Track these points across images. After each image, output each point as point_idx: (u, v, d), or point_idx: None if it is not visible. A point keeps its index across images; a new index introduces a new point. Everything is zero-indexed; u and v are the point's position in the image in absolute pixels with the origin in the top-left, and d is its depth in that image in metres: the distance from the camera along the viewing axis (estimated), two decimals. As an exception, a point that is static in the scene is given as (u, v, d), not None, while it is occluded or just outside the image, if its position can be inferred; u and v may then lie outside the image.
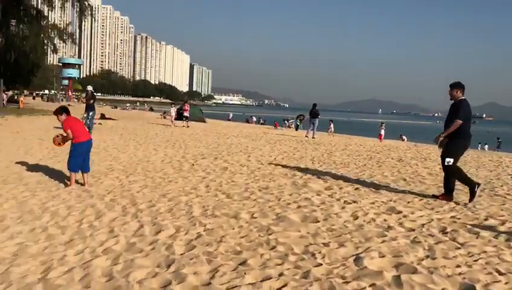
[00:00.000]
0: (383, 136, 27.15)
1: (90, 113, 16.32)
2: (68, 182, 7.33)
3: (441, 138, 6.87)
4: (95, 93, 17.88)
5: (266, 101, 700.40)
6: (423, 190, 7.71)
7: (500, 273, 3.80)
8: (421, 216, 5.76)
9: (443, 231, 5.08)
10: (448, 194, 6.94)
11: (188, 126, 24.54)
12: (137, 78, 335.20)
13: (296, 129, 35.71)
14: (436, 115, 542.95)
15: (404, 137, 37.57)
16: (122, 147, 12.78)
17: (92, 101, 16.62)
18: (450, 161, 6.83)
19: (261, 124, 48.07)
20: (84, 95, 17.98)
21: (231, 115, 57.62)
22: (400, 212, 5.95)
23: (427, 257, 4.20)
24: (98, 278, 3.64)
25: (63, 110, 7.29)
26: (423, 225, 5.34)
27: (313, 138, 21.09)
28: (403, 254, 4.24)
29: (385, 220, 5.51)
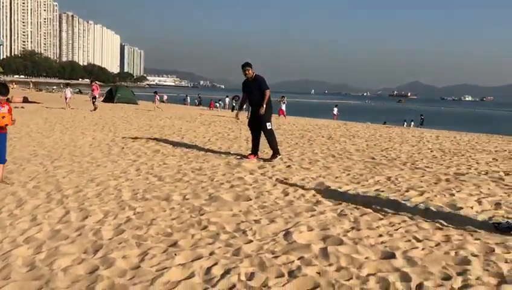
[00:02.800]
0: (284, 112, 26.43)
1: None
2: None
3: (263, 109, 8.18)
4: None
5: (202, 82, 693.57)
6: (350, 165, 8.02)
7: (418, 240, 4.06)
8: (348, 190, 6.01)
9: (368, 204, 5.33)
10: (276, 152, 8.38)
11: (95, 109, 21.41)
12: (64, 59, 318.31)
13: (232, 110, 35.76)
14: (365, 94, 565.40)
15: (335, 110, 39.04)
16: (47, 131, 12.14)
17: None
18: (270, 125, 8.39)
19: (197, 105, 47.49)
20: None
21: (165, 97, 56.35)
22: (328, 187, 6.16)
23: (353, 228, 4.39)
24: (19, 268, 3.46)
25: None
26: (350, 198, 5.58)
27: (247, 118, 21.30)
28: (330, 226, 4.41)
29: (314, 195, 5.69)
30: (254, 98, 8.42)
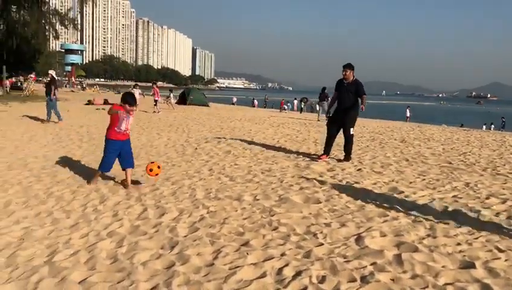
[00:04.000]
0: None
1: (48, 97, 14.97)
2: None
3: (363, 107, 8.21)
4: (55, 77, 16.37)
5: (270, 84, 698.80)
6: (425, 170, 7.72)
7: (501, 251, 3.84)
8: (423, 196, 5.79)
9: (444, 210, 5.11)
10: (348, 156, 8.43)
11: (158, 112, 21.34)
12: (140, 63, 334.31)
13: (300, 112, 35.69)
14: (440, 95, 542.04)
15: (408, 111, 37.75)
16: (125, 132, 12.81)
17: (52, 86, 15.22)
18: (353, 130, 8.40)
19: (264, 106, 47.73)
20: (46, 79, 15.67)
21: (235, 99, 57.28)
22: (401, 192, 5.98)
23: (428, 235, 4.24)
24: (103, 260, 3.70)
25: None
26: (425, 204, 5.38)
27: (318, 120, 21.30)
28: (404, 233, 4.28)
29: (387, 200, 5.55)
30: (346, 100, 8.27)
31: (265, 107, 46.34)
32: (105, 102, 27.24)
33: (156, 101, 22.62)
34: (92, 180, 6.37)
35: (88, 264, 3.62)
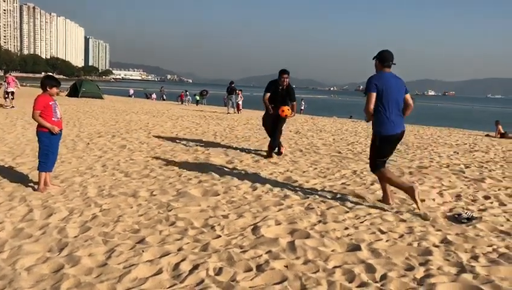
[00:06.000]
0: (240, 106, 24.91)
1: None
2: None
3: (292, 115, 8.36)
4: None
5: (169, 76, 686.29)
6: (317, 159, 8.13)
7: (383, 232, 4.18)
8: (315, 184, 6.11)
9: (334, 197, 5.43)
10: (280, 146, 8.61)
11: (12, 106, 17.78)
12: (26, 52, 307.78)
13: (197, 104, 35.65)
14: (331, 89, 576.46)
15: (303, 103, 39.42)
16: (8, 127, 11.77)
17: None
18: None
19: (162, 99, 46.65)
20: None
21: (132, 91, 55.32)
22: (295, 181, 6.24)
23: (319, 221, 4.48)
24: (-20, 268, 3.36)
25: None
26: (317, 192, 5.67)
27: (228, 113, 21.53)
28: (297, 220, 4.47)
29: (282, 189, 5.75)
30: (282, 104, 8.21)
31: (163, 100, 45.37)
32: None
33: (8, 93, 18.55)
34: (42, 187, 5.52)
35: (-39, 275, 3.26)
